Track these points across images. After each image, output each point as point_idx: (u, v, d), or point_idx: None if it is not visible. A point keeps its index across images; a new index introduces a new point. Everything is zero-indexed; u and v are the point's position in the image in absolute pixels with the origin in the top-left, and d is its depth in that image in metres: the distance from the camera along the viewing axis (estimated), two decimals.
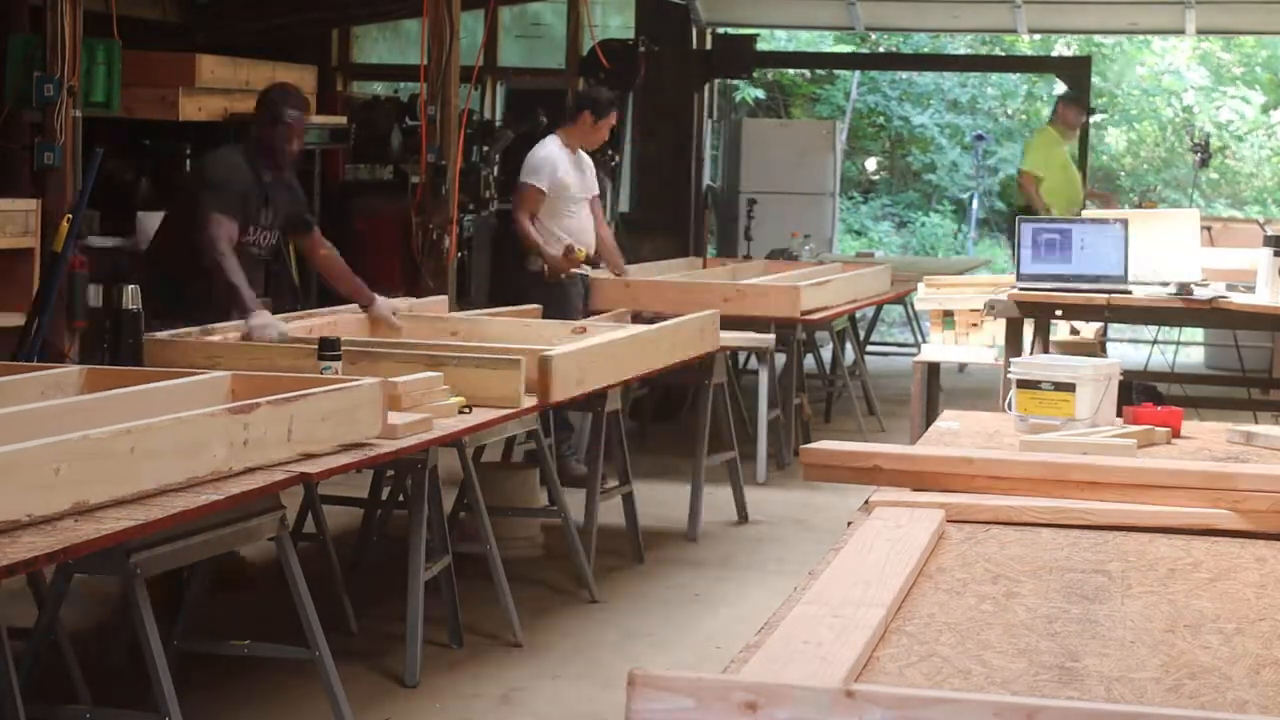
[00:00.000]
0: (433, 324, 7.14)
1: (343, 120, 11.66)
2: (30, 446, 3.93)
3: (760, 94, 21.20)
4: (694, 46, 15.05)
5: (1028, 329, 7.43)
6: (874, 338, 13.73)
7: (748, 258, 12.11)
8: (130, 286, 5.75)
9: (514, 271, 9.08)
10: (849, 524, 3.44)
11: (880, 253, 18.04)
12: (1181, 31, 15.45)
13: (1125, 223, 7.45)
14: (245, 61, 10.75)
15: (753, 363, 10.58)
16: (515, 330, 7.04)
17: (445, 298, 8.18)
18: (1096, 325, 8.47)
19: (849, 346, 11.61)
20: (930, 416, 7.29)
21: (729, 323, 8.49)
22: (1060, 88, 19.82)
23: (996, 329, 8.09)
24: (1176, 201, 20.08)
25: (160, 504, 4.18)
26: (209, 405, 4.89)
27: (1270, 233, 7.54)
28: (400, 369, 5.77)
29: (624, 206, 13.54)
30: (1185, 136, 15.58)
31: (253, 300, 6.46)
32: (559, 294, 8.70)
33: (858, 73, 21.79)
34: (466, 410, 5.75)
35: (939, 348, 8.71)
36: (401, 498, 6.58)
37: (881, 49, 21.38)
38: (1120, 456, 4.03)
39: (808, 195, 15.40)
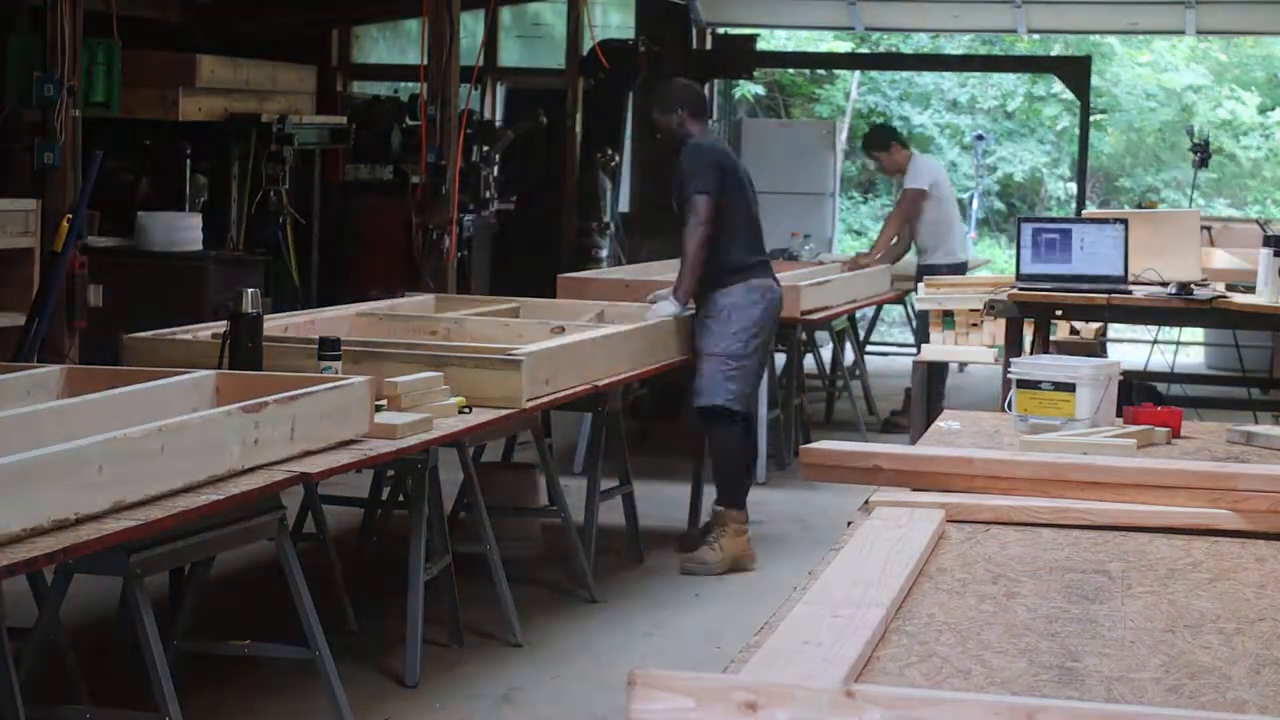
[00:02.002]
0: (412, 323, 7.12)
1: (343, 120, 11.67)
2: (78, 446, 4.00)
3: (760, 90, 21.19)
4: (694, 46, 15.05)
5: (1028, 329, 7.43)
6: (874, 338, 13.73)
7: None
8: (251, 290, 5.68)
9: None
10: (849, 524, 3.44)
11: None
12: (1181, 31, 15.46)
13: (1125, 223, 7.45)
14: (245, 61, 10.75)
15: None
16: (494, 330, 7.01)
17: (431, 297, 8.17)
18: (1096, 325, 8.48)
19: (849, 346, 11.61)
20: (930, 416, 7.29)
21: None
22: (1059, 87, 19.85)
23: (996, 329, 8.09)
24: (1176, 202, 20.08)
25: (161, 504, 4.20)
26: (195, 404, 4.93)
27: (1270, 233, 7.55)
28: (400, 369, 5.78)
29: (624, 206, 13.53)
30: (1185, 136, 15.60)
31: None
32: None
33: (858, 73, 21.79)
34: (467, 410, 5.75)
35: (939, 348, 8.71)
36: (401, 498, 6.58)
37: (881, 49, 21.38)
38: (1120, 456, 4.03)
39: (808, 195, 15.41)
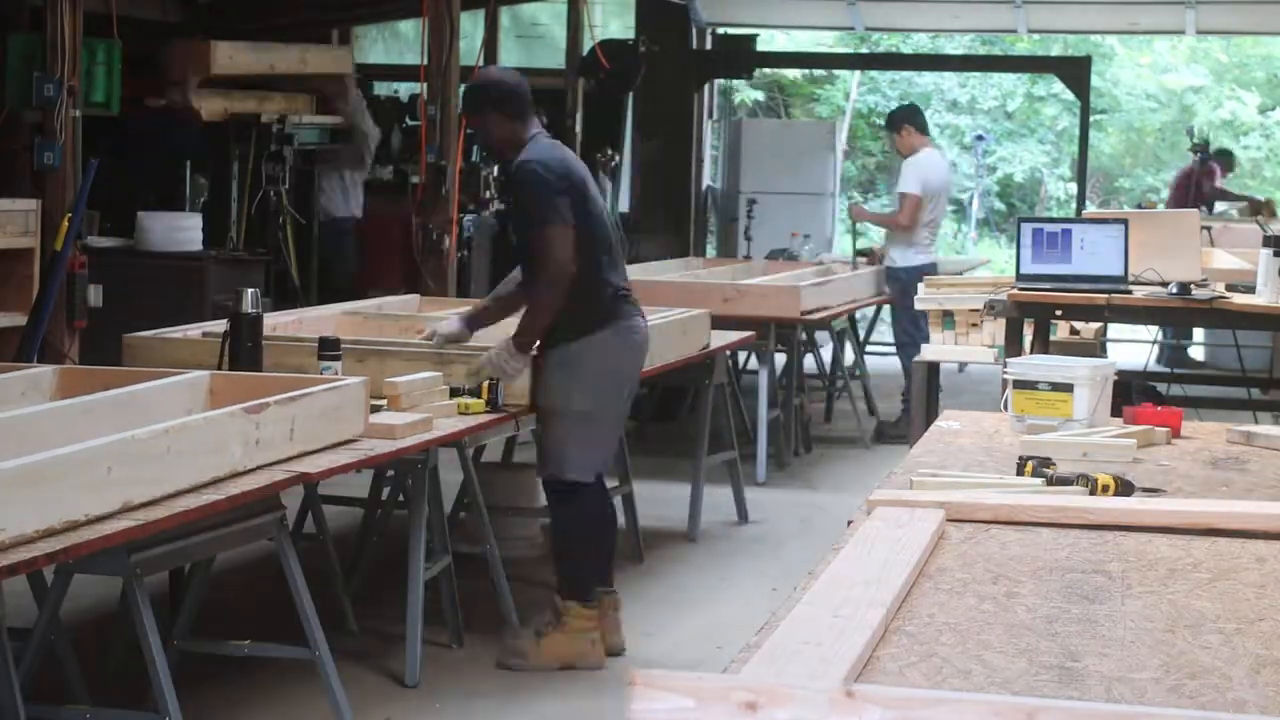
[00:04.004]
0: (399, 323, 7.10)
1: (343, 120, 11.65)
2: (87, 447, 4.02)
3: (760, 95, 21.19)
4: (694, 46, 15.06)
5: (1027, 329, 7.43)
6: (874, 338, 13.74)
7: (748, 258, 12.12)
8: (251, 289, 5.67)
9: None
10: (849, 524, 3.44)
11: None
12: (1181, 32, 15.47)
13: (1125, 223, 7.45)
14: (268, 46, 10.79)
15: (753, 362, 10.59)
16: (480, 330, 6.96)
17: (416, 297, 8.17)
18: (1096, 325, 8.47)
19: (849, 346, 11.61)
20: (930, 416, 7.29)
21: (729, 323, 8.49)
22: (1059, 88, 19.86)
23: (996, 329, 8.08)
24: None
25: (162, 504, 4.20)
26: (190, 405, 4.94)
27: (1270, 233, 7.54)
28: (405, 368, 5.77)
29: (624, 206, 13.53)
30: (1185, 137, 15.60)
31: None
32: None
33: (858, 73, 21.80)
34: (488, 409, 5.74)
35: (939, 348, 8.70)
36: (401, 498, 6.58)
37: (881, 49, 21.38)
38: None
39: (808, 195, 15.40)
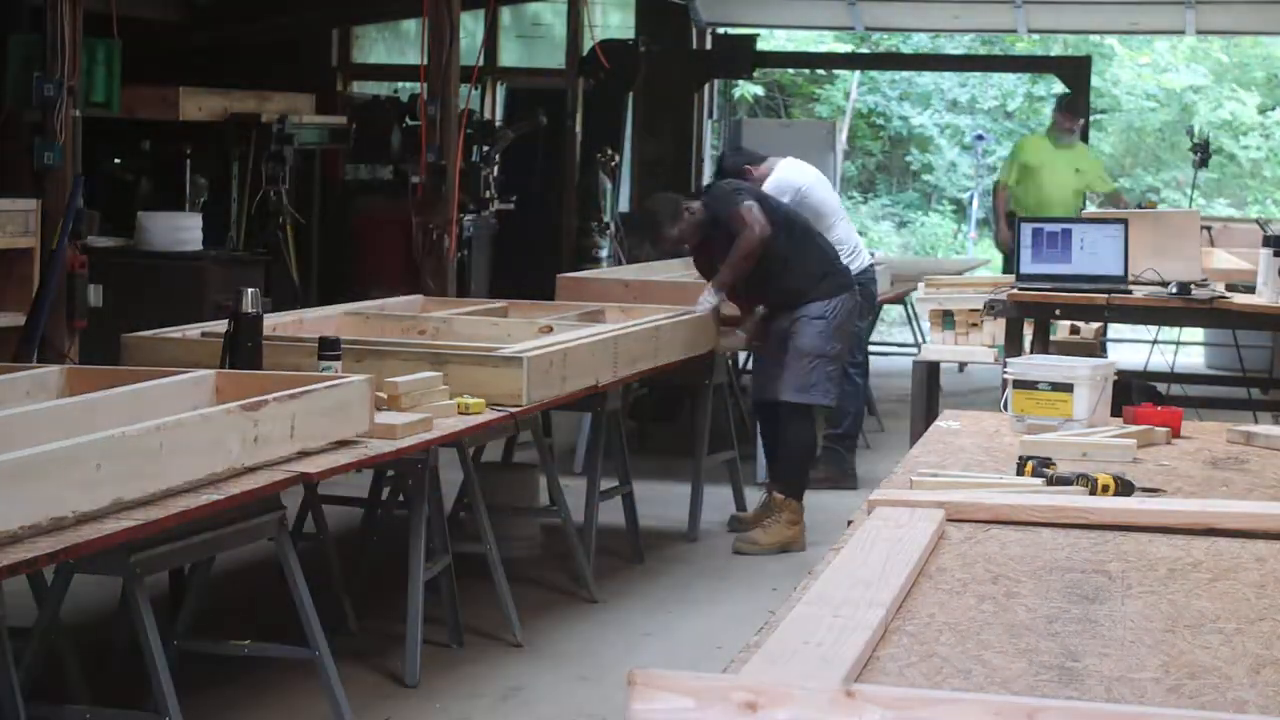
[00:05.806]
0: (401, 323, 7.10)
1: (343, 120, 11.66)
2: (75, 444, 3.99)
3: (760, 90, 21.18)
4: (694, 46, 15.05)
5: (1028, 329, 7.43)
6: (874, 337, 13.73)
7: None
8: (251, 289, 5.66)
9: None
10: (849, 524, 3.44)
11: (880, 253, 18.01)
12: (1181, 32, 15.46)
13: (1125, 223, 7.46)
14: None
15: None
16: (484, 328, 6.98)
17: (418, 297, 8.17)
18: (1097, 325, 8.48)
19: None
20: (930, 416, 7.28)
21: (729, 323, 8.47)
22: (1059, 88, 19.86)
23: (996, 329, 8.09)
24: (1176, 202, 20.08)
25: (161, 504, 4.20)
26: (195, 404, 4.93)
27: (1270, 233, 7.55)
28: (403, 368, 5.77)
29: (624, 206, 13.52)
30: (1185, 136, 15.62)
31: None
32: None
33: (858, 73, 21.79)
34: (494, 409, 5.75)
35: (939, 348, 8.70)
36: (401, 498, 6.58)
37: (881, 49, 21.37)
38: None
39: None
